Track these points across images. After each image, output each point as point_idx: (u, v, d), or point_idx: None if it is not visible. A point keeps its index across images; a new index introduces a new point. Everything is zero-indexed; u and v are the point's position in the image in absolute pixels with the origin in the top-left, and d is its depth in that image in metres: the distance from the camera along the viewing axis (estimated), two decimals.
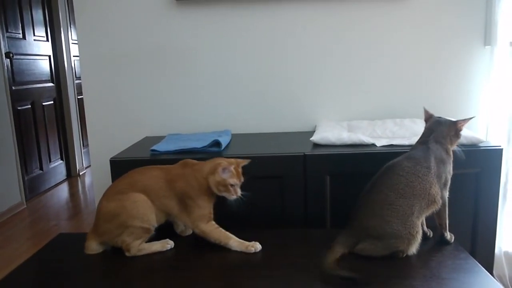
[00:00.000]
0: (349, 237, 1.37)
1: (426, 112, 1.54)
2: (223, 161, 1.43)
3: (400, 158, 1.42)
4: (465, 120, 1.44)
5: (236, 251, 1.41)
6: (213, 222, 1.44)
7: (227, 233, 1.43)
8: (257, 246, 1.41)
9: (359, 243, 1.35)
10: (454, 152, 1.45)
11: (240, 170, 1.44)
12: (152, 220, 1.42)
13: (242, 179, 1.44)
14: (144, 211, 1.40)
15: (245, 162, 1.47)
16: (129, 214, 1.39)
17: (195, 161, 1.50)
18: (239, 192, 1.42)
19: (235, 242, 1.41)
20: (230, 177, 1.40)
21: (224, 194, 1.42)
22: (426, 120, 1.52)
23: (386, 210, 1.33)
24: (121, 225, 1.39)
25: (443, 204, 1.40)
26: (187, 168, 1.46)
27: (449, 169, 1.42)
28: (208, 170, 1.42)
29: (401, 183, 1.35)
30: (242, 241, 1.42)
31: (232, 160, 1.45)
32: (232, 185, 1.41)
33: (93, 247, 1.44)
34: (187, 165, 1.47)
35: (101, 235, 1.43)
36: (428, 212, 1.38)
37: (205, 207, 1.43)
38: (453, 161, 1.44)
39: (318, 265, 1.27)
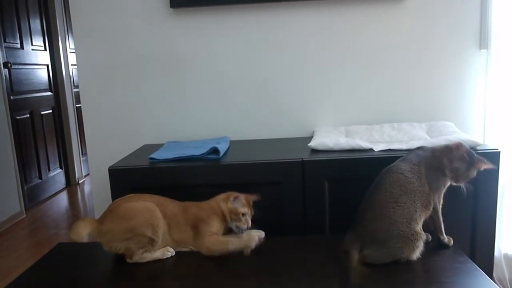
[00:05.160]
0: (356, 243, 1.38)
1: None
2: (235, 193, 1.50)
3: (396, 162, 1.45)
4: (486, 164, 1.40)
5: (241, 258, 1.41)
6: (215, 238, 1.45)
7: (225, 238, 1.43)
8: (260, 235, 1.43)
9: (364, 249, 1.35)
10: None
11: (251, 202, 1.51)
12: (160, 236, 1.43)
13: (253, 212, 1.51)
14: (157, 225, 1.42)
15: (255, 197, 1.53)
16: (145, 221, 1.40)
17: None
18: (250, 223, 1.48)
19: (233, 244, 1.40)
20: (241, 206, 1.47)
21: (236, 223, 1.48)
22: None
23: (391, 209, 1.34)
24: (131, 230, 1.39)
25: (434, 209, 1.40)
26: (201, 202, 1.54)
27: (443, 180, 1.40)
28: (222, 197, 1.51)
29: (401, 180, 1.37)
30: (239, 240, 1.41)
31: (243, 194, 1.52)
32: (243, 215, 1.47)
33: (82, 232, 1.40)
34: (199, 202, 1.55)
35: (104, 232, 1.41)
36: (426, 215, 1.39)
37: (214, 226, 1.46)
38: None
39: (347, 274, 1.26)
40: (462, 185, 1.38)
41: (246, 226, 1.48)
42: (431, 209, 1.39)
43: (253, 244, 1.40)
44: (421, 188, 1.37)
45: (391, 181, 1.38)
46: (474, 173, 1.39)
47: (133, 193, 1.52)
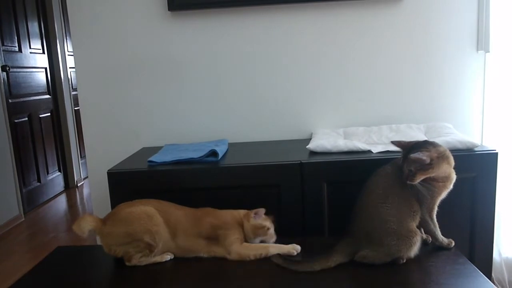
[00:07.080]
0: (350, 246, 1.38)
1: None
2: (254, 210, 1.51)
3: (386, 164, 1.46)
4: None
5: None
6: (246, 243, 1.47)
7: (262, 243, 1.47)
8: (297, 248, 1.45)
9: (361, 250, 1.35)
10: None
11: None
12: (159, 242, 1.43)
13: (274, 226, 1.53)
14: (156, 231, 1.42)
15: (263, 210, 1.53)
16: (143, 227, 1.40)
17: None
18: (275, 237, 1.51)
19: (274, 249, 1.44)
20: (264, 221, 1.49)
21: (261, 238, 1.49)
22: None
23: (381, 209, 1.36)
24: (129, 235, 1.39)
25: (423, 219, 1.40)
26: (215, 210, 1.53)
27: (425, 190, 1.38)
28: (244, 214, 1.51)
29: (386, 182, 1.39)
30: (281, 245, 1.45)
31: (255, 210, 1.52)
32: (268, 229, 1.48)
33: (85, 226, 1.40)
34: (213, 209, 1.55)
35: (105, 234, 1.42)
36: (415, 217, 1.38)
37: (238, 233, 1.47)
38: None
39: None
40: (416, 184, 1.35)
41: (273, 239, 1.50)
42: (417, 216, 1.38)
43: (295, 252, 1.43)
44: (402, 192, 1.37)
45: (376, 183, 1.41)
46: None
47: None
